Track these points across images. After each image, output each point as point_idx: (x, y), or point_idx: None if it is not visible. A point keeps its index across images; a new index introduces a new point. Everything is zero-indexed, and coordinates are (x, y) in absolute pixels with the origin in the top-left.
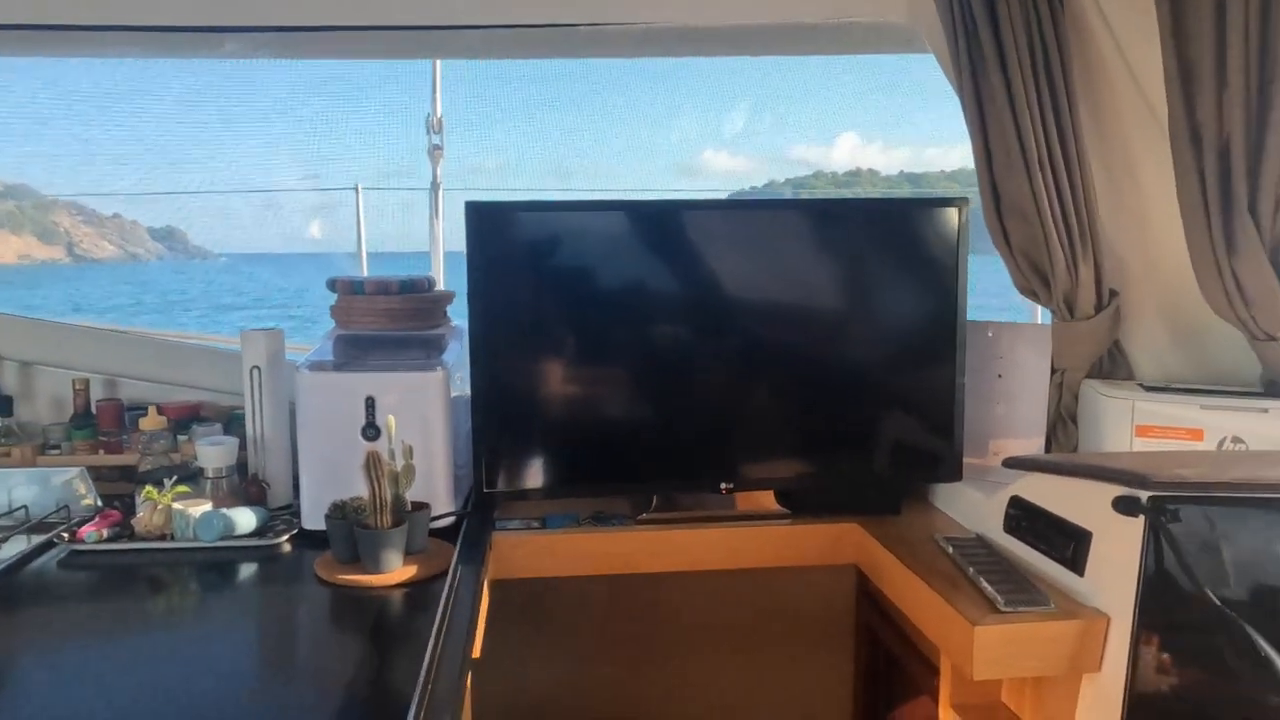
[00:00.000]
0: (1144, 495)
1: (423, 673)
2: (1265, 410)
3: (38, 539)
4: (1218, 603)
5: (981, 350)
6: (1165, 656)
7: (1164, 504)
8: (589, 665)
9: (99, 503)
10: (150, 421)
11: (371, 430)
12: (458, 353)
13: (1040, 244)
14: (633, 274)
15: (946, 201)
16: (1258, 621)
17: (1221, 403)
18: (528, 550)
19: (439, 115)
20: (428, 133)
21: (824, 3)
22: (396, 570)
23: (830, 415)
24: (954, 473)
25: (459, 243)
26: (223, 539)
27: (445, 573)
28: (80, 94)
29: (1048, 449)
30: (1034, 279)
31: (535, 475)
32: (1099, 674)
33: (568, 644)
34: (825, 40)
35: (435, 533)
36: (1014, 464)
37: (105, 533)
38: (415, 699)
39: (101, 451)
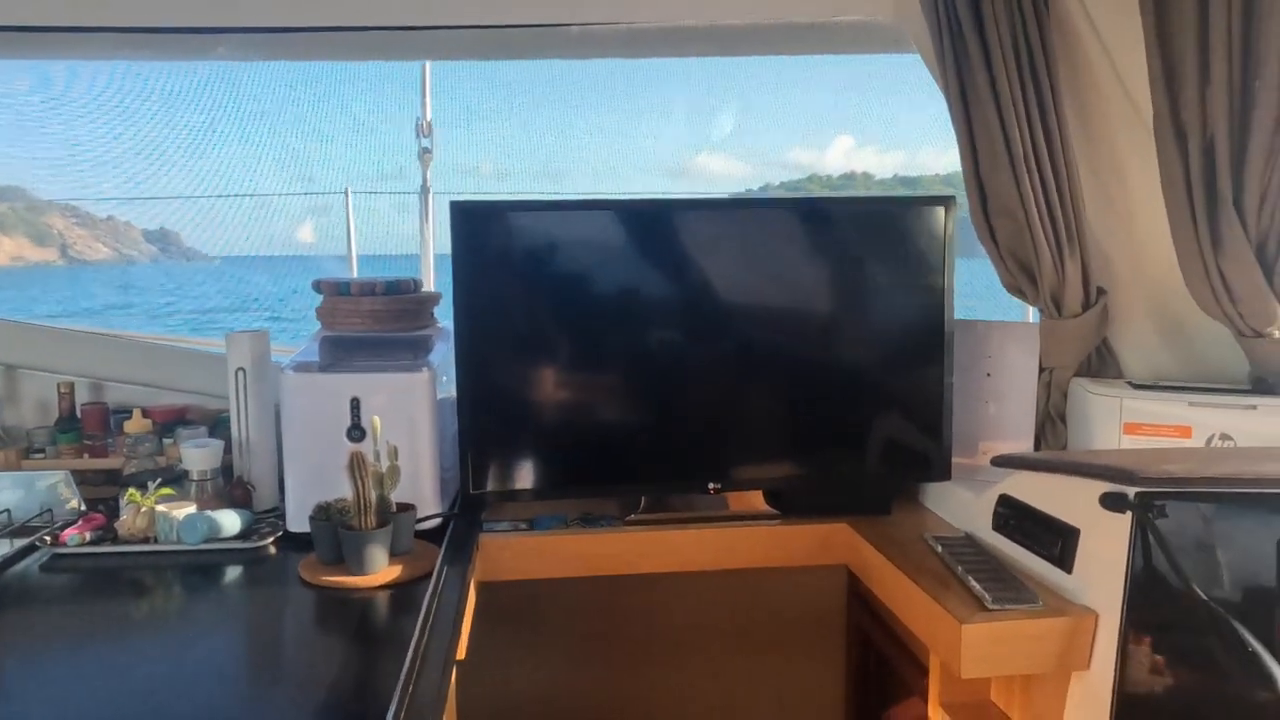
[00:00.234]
0: (1131, 491)
1: (403, 674)
2: (1253, 407)
3: (20, 543)
4: (1206, 599)
5: (970, 349)
6: (1154, 653)
7: (1151, 500)
8: (577, 667)
9: (83, 506)
10: (135, 424)
11: (357, 431)
12: (444, 354)
13: (1027, 242)
14: (619, 273)
15: (934, 200)
16: (1246, 617)
17: (1210, 400)
18: (515, 552)
19: (429, 119)
20: (417, 136)
21: (810, 2)
22: (381, 572)
23: (819, 415)
24: (943, 472)
25: (450, 245)
26: (207, 542)
27: (430, 574)
28: (65, 97)
29: (1037, 448)
30: (1021, 277)
31: (522, 476)
32: (1087, 672)
33: (556, 646)
34: (812, 40)
35: (422, 535)
36: (1002, 462)
37: (88, 536)
38: (395, 700)
39: (86, 455)
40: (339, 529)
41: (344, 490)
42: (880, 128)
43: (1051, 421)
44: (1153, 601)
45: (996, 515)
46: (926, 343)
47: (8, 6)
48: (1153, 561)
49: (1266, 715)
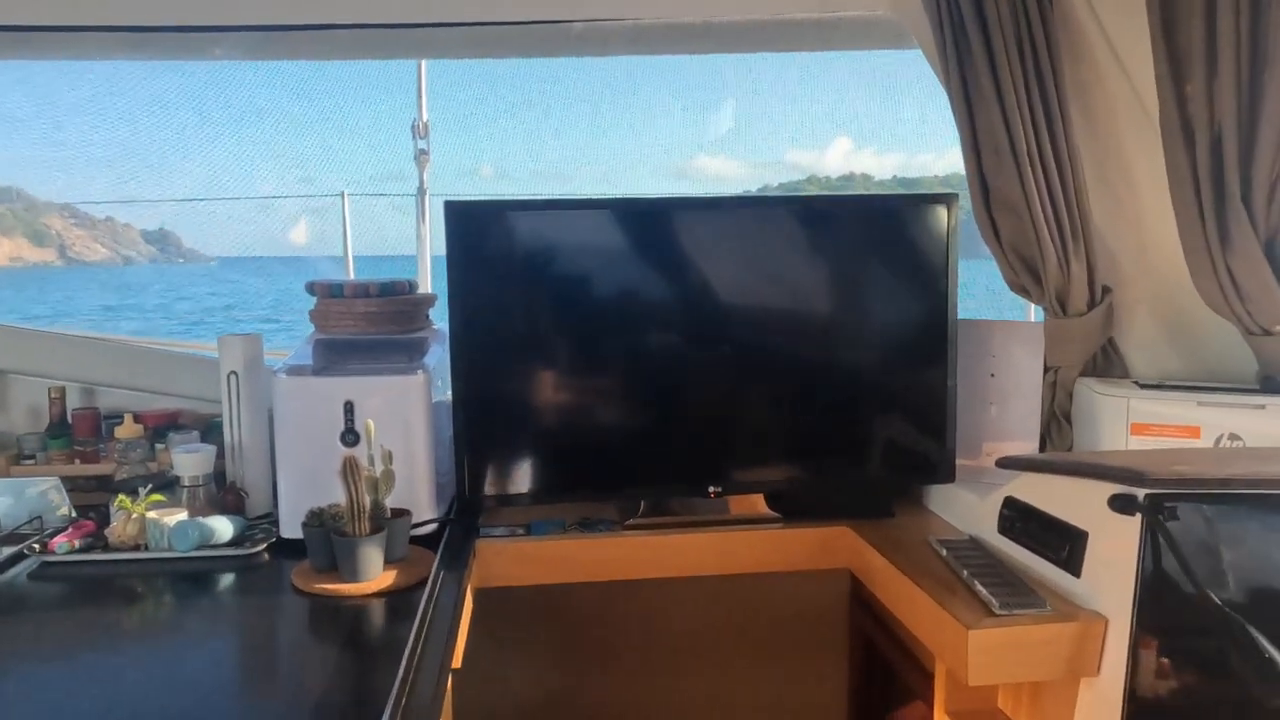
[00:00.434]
0: (1141, 493)
1: (397, 683)
2: (1262, 406)
3: (9, 550)
4: (1218, 603)
5: (974, 349)
6: (1165, 659)
7: (1161, 502)
8: (576, 675)
9: (73, 513)
10: (126, 430)
11: (351, 436)
12: (440, 356)
13: (1030, 239)
14: (616, 274)
15: (936, 199)
16: (1260, 621)
17: (1218, 399)
18: (512, 557)
19: (425, 120)
20: (414, 138)
21: None
22: (375, 579)
23: (820, 417)
24: (947, 474)
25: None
26: (198, 549)
27: (425, 581)
28: (54, 98)
29: (1042, 449)
30: (1025, 275)
31: (519, 480)
32: (1097, 678)
33: (554, 653)
34: (812, 36)
35: (417, 540)
36: (1007, 464)
37: (77, 543)
38: (389, 710)
39: (78, 461)
40: (332, 535)
41: (338, 495)
42: (879, 129)
43: (1057, 422)
44: (1164, 606)
45: (1002, 518)
46: (929, 343)
47: (3, 7)
48: (1163, 565)
49: None
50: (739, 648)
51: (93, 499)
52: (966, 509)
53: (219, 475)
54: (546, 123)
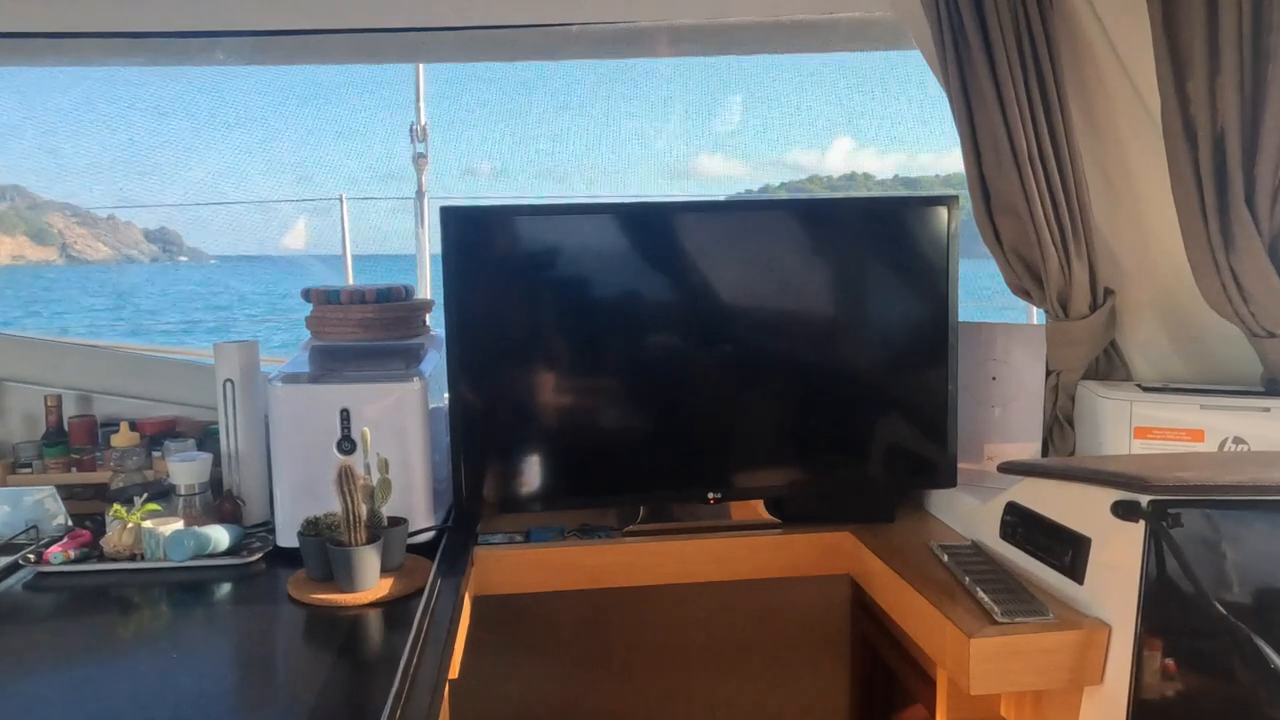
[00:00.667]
0: (1144, 499)
1: (393, 694)
2: (1267, 410)
3: (4, 560)
4: (1223, 611)
5: (975, 352)
6: (1169, 667)
7: (1165, 508)
8: (576, 682)
9: (69, 522)
10: (122, 438)
11: (347, 444)
12: (437, 362)
13: (1032, 241)
14: (614, 278)
15: (936, 200)
16: (1266, 629)
17: (1222, 402)
18: (511, 565)
19: (423, 123)
20: (412, 140)
21: None
22: (371, 588)
23: (819, 421)
24: (948, 479)
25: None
26: (194, 558)
27: (422, 590)
28: (49, 105)
29: (1045, 453)
30: (1026, 278)
31: (516, 487)
32: (1101, 686)
33: (554, 661)
34: (811, 38)
35: (415, 549)
36: (1009, 469)
37: (73, 553)
38: None
39: (74, 469)
40: (328, 545)
41: (335, 504)
42: (880, 129)
43: (1059, 426)
44: (1168, 613)
45: (1004, 524)
46: (929, 346)
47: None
48: (1167, 571)
49: None
50: (740, 654)
51: (89, 507)
52: (968, 514)
53: (216, 483)
54: (546, 123)
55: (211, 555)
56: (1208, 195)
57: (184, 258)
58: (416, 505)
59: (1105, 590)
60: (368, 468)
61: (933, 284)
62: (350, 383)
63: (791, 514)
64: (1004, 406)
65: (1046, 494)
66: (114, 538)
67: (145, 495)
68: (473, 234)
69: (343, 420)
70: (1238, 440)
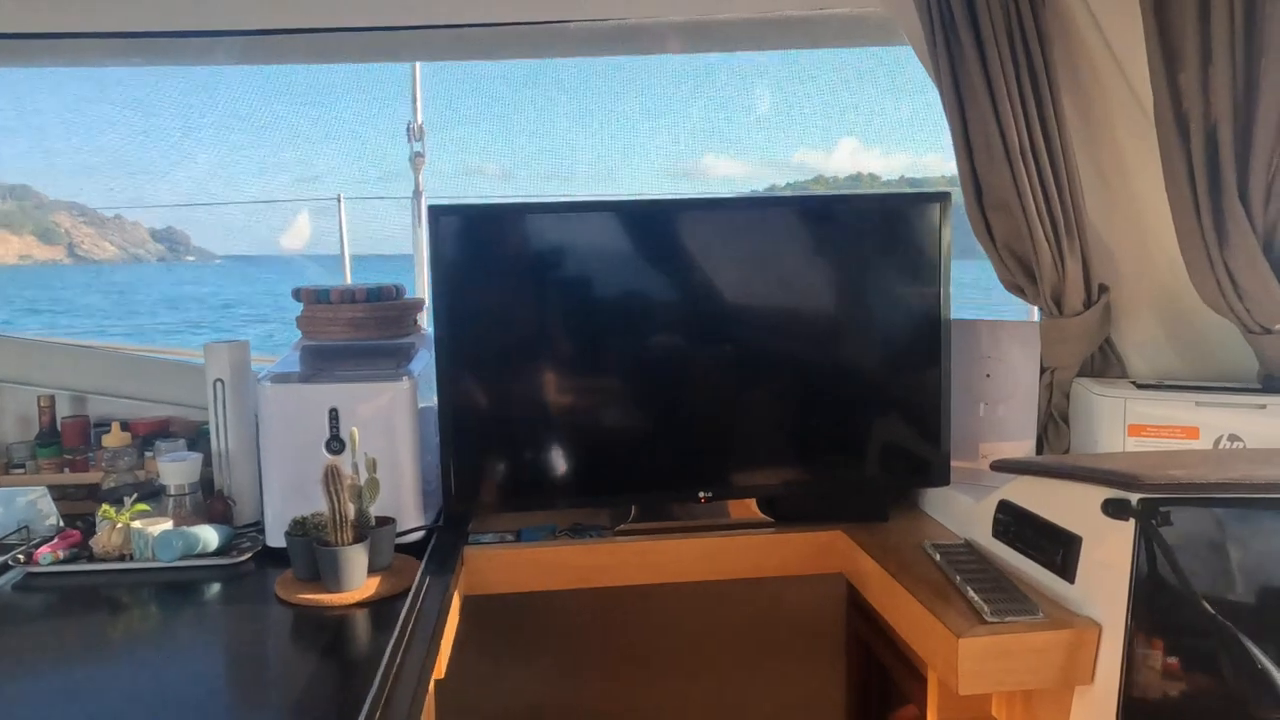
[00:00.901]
0: (1134, 498)
1: (372, 693)
2: (1263, 407)
3: None
4: (1212, 611)
5: (969, 350)
6: (1159, 668)
7: (1155, 506)
8: (568, 683)
9: (61, 523)
10: (114, 438)
11: (336, 443)
12: (428, 361)
13: (1024, 237)
14: (605, 276)
15: (928, 197)
16: (1258, 629)
17: (1217, 399)
18: (502, 564)
19: (419, 122)
20: (409, 140)
21: None
22: (358, 588)
23: (811, 419)
24: (942, 477)
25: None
26: (183, 558)
27: (409, 589)
28: (39, 106)
29: (1039, 451)
30: (1019, 274)
31: (505, 486)
32: (1091, 686)
33: (546, 661)
34: (803, 34)
35: (405, 548)
36: (1001, 467)
37: (62, 554)
38: None
39: (67, 470)
40: (315, 544)
41: (323, 504)
42: (885, 129)
43: (1054, 424)
44: (1158, 613)
45: (996, 522)
46: (922, 343)
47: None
48: (1158, 570)
49: None
50: (734, 654)
51: (82, 508)
52: (962, 512)
53: (208, 484)
54: (546, 125)
55: (201, 555)
56: (1200, 190)
57: (191, 257)
58: (406, 505)
59: (1096, 589)
60: (356, 467)
61: (925, 281)
62: (339, 382)
63: (784, 513)
64: (998, 404)
65: (1038, 492)
66: (103, 538)
67: (135, 495)
68: (461, 232)
69: (331, 420)
70: (1233, 438)
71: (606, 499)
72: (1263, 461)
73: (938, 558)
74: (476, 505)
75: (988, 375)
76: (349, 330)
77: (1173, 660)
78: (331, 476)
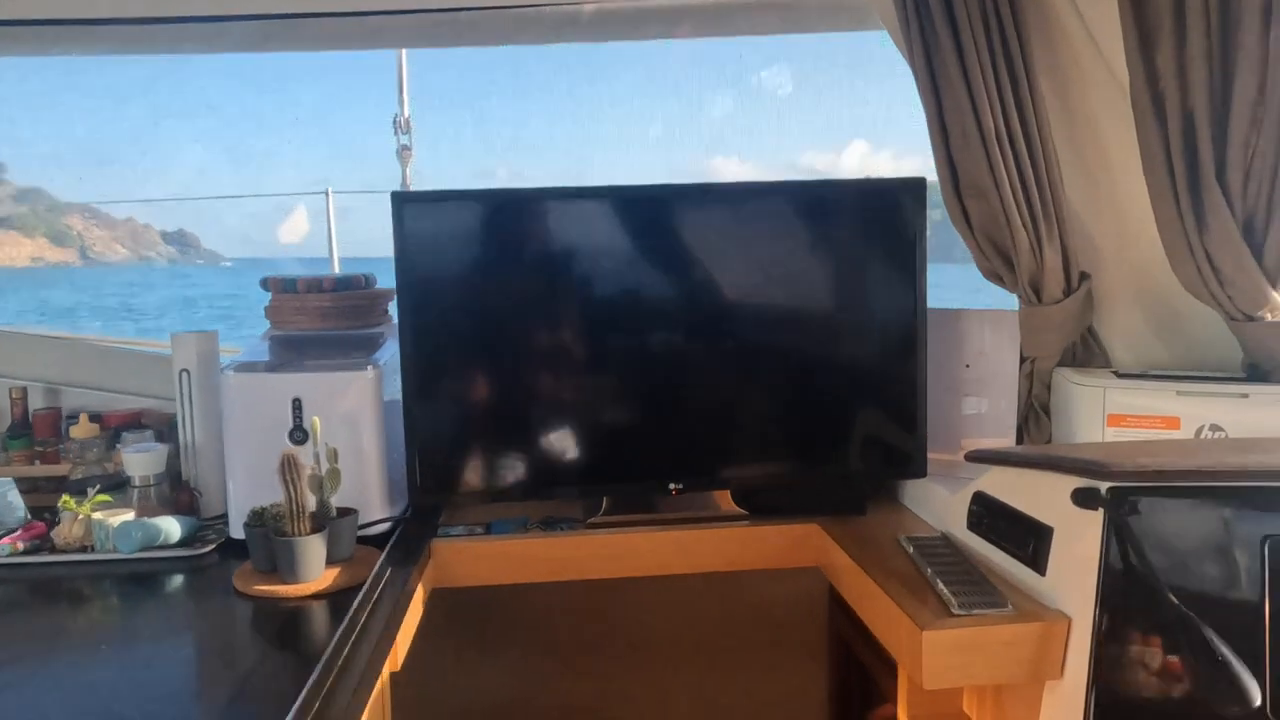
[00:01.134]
0: (1103, 486)
1: (309, 684)
2: (1245, 396)
3: None
4: (1175, 602)
5: (948, 339)
6: (1129, 661)
7: (1125, 495)
8: (540, 678)
9: (28, 515)
10: (81, 429)
11: (299, 433)
12: (396, 351)
13: (1001, 224)
14: (570, 265)
15: (903, 183)
16: (1228, 621)
17: (1198, 389)
18: (470, 557)
19: (406, 115)
20: (395, 133)
21: None
22: (315, 580)
23: (785, 410)
24: (919, 469)
25: None
26: (145, 550)
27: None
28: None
29: (1019, 442)
30: (998, 261)
31: (471, 478)
32: (1061, 680)
33: (516, 655)
34: (775, 19)
35: (370, 540)
36: (975, 457)
37: (21, 545)
38: (292, 715)
39: (37, 462)
40: (271, 535)
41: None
42: (895, 132)
43: (1035, 414)
44: (1126, 605)
45: (971, 514)
46: (899, 333)
47: None
48: (1129, 560)
49: None
50: (711, 650)
51: (52, 500)
52: (939, 505)
53: (175, 475)
54: (556, 123)
55: (164, 547)
56: (1178, 173)
57: (200, 260)
58: (371, 496)
59: (1066, 581)
60: (317, 457)
61: (901, 269)
62: (303, 372)
63: (760, 506)
64: (978, 395)
65: (1012, 483)
66: (64, 529)
67: (98, 487)
68: (422, 219)
69: (294, 410)
70: (1214, 428)
71: (573, 491)
72: (1237, 450)
73: (911, 550)
74: (443, 497)
75: (967, 366)
76: (316, 320)
77: (1143, 653)
78: (288, 466)
